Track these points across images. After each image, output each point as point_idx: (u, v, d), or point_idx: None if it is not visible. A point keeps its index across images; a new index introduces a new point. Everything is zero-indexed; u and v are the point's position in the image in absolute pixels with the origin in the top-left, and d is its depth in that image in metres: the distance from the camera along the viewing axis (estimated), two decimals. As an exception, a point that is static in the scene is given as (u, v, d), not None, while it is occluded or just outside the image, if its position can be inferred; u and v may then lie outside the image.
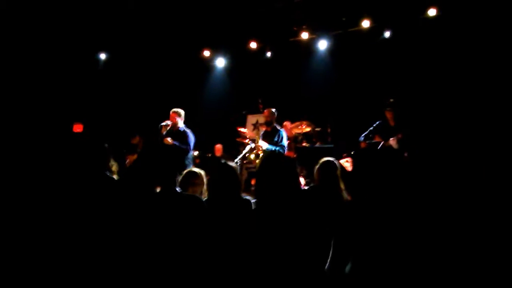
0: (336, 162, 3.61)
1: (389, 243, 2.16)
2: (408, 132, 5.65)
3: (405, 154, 5.48)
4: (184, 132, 5.83)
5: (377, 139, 5.92)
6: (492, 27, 6.31)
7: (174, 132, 5.83)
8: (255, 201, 2.62)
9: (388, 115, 5.99)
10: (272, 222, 2.16)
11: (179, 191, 2.68)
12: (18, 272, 3.45)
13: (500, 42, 6.24)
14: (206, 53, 9.14)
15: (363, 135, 6.14)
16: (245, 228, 2.32)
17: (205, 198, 2.85)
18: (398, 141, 5.67)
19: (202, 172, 3.30)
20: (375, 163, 2.35)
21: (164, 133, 5.76)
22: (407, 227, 2.21)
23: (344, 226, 2.24)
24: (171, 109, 5.93)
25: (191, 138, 5.83)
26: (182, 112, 5.93)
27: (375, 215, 2.19)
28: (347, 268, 2.23)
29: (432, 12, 6.88)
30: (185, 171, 3.33)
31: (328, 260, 2.23)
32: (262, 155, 6.09)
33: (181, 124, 5.89)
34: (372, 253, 2.17)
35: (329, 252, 2.26)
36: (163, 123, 5.76)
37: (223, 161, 3.18)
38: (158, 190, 2.85)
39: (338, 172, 3.52)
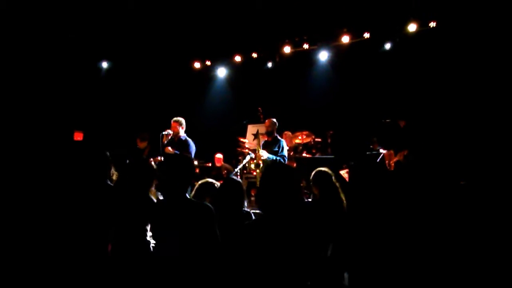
0: (327, 170, 3.61)
1: (384, 253, 2.17)
2: (415, 148, 5.58)
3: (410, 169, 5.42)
4: (185, 141, 5.86)
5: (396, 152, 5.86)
6: (491, 37, 6.35)
7: (175, 141, 5.86)
8: (256, 212, 2.62)
9: (402, 125, 5.96)
10: (274, 234, 2.15)
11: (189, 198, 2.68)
12: (18, 272, 3.48)
13: (499, 51, 6.28)
14: (207, 63, 9.21)
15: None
16: (244, 240, 2.31)
17: None
18: (405, 157, 5.61)
19: (218, 184, 3.31)
20: (370, 175, 2.36)
21: (166, 142, 5.80)
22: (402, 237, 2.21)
23: (343, 235, 2.25)
24: (172, 118, 5.97)
25: (192, 147, 5.86)
26: (183, 121, 5.97)
27: (370, 225, 2.20)
28: (346, 277, 2.23)
29: (432, 24, 6.95)
30: (201, 181, 3.34)
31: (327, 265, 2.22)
32: (263, 165, 6.10)
33: (182, 133, 5.92)
34: (370, 262, 2.17)
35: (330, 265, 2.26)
36: (165, 132, 5.81)
37: (232, 176, 3.21)
38: (161, 197, 2.85)
39: (334, 179, 3.51)
